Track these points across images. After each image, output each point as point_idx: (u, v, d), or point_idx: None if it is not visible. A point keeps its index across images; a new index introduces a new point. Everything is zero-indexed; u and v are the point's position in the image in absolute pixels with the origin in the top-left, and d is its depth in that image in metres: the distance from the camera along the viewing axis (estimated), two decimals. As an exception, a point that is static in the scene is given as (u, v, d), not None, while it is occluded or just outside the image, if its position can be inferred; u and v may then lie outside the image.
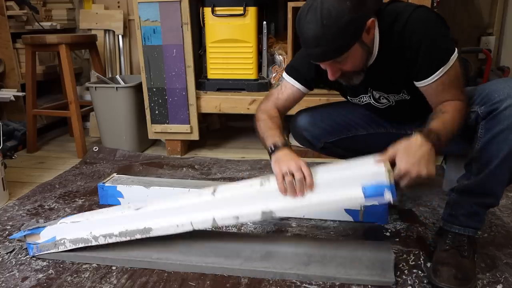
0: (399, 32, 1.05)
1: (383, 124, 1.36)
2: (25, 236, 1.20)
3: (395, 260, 1.10)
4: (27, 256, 1.21)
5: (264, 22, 2.02)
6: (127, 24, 2.64)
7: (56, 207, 1.56)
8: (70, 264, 1.17)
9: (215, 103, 2.09)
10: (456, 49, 1.04)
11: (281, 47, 2.10)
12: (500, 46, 2.35)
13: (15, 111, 2.41)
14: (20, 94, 2.28)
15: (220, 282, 1.08)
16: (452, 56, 1.03)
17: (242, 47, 2.01)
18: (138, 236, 1.14)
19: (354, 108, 1.38)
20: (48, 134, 2.66)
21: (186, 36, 1.98)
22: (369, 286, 1.05)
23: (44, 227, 1.20)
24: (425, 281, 1.07)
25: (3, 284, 1.09)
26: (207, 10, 1.99)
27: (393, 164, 0.96)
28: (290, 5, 1.93)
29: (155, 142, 2.42)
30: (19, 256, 1.22)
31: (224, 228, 1.37)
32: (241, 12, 1.95)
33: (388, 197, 0.96)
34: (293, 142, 1.48)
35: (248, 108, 2.04)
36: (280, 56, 2.08)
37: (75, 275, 1.12)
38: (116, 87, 2.12)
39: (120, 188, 1.52)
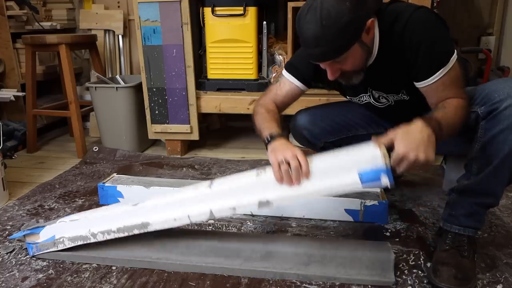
0: (399, 33, 1.05)
1: (383, 124, 1.36)
2: (24, 236, 1.20)
3: (395, 260, 1.10)
4: (27, 256, 1.21)
5: (264, 22, 2.02)
6: (127, 24, 2.64)
7: (56, 207, 1.56)
8: (70, 264, 1.17)
9: (215, 103, 2.09)
10: (455, 51, 1.04)
11: (281, 47, 2.10)
12: (500, 46, 2.35)
13: (15, 111, 2.41)
14: (20, 94, 2.28)
15: (220, 282, 1.08)
16: (452, 57, 1.03)
17: (242, 47, 2.01)
18: (136, 232, 1.14)
19: (354, 108, 1.38)
20: (48, 134, 2.66)
21: (186, 36, 1.98)
22: (369, 286, 1.05)
23: (43, 226, 1.20)
24: (425, 281, 1.07)
25: (3, 284, 1.09)
26: (207, 10, 1.99)
27: (391, 148, 0.94)
28: (290, 5, 1.93)
29: (155, 142, 2.42)
30: (19, 256, 1.22)
31: (224, 228, 1.37)
32: (241, 12, 1.95)
33: (385, 181, 0.96)
34: (293, 142, 1.48)
35: (248, 108, 2.04)
36: (280, 56, 2.08)
37: (75, 275, 1.12)
38: (116, 87, 2.12)
39: (120, 188, 1.52)
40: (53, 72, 2.56)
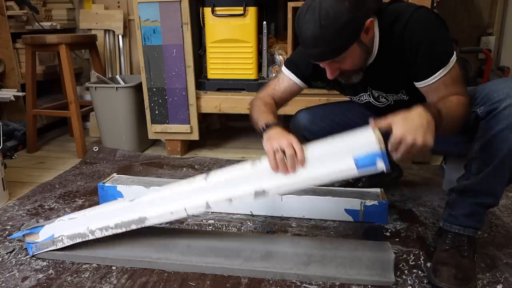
0: (399, 32, 1.05)
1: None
2: (24, 235, 1.20)
3: (395, 260, 1.10)
4: (27, 256, 1.21)
5: (264, 22, 2.02)
6: (127, 24, 2.64)
7: (56, 207, 1.56)
8: (70, 264, 1.17)
9: (215, 103, 2.09)
10: (455, 52, 1.04)
11: (281, 47, 2.10)
12: (500, 46, 2.35)
13: (15, 111, 2.41)
14: (20, 94, 2.28)
15: (220, 282, 1.08)
16: (452, 58, 1.03)
17: (242, 47, 2.01)
18: (134, 227, 1.14)
19: (354, 107, 1.38)
20: (48, 134, 2.66)
21: (186, 36, 1.98)
22: (369, 286, 1.05)
23: (42, 226, 1.21)
24: (425, 281, 1.07)
25: (3, 284, 1.09)
26: (207, 10, 1.99)
27: (389, 133, 0.92)
28: (290, 5, 1.93)
29: (155, 142, 2.42)
30: (19, 256, 1.22)
31: (224, 228, 1.37)
32: (241, 12, 1.95)
33: (380, 166, 0.95)
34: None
35: (248, 108, 2.03)
36: (280, 56, 2.08)
37: (75, 275, 1.12)
38: (116, 87, 2.12)
39: (120, 188, 1.52)
40: (53, 72, 2.56)
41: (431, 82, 1.05)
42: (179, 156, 2.18)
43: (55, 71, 2.57)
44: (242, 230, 1.36)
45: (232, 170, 1.11)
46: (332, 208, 1.39)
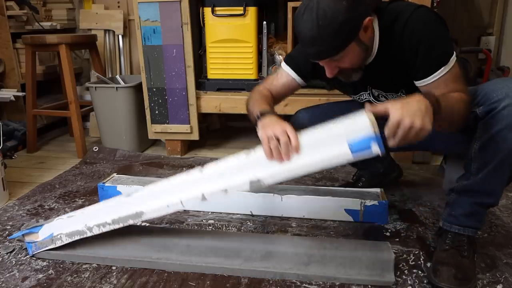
0: (399, 32, 1.05)
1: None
2: (23, 235, 1.20)
3: (395, 260, 1.10)
4: (27, 256, 1.21)
5: (264, 22, 2.02)
6: (127, 24, 2.64)
7: (56, 207, 1.56)
8: (70, 264, 1.17)
9: (215, 103, 2.09)
10: (454, 52, 1.04)
11: (281, 47, 2.10)
12: (500, 46, 2.35)
13: (15, 111, 2.41)
14: (20, 94, 2.28)
15: (220, 282, 1.08)
16: (452, 57, 1.03)
17: (242, 47, 2.01)
18: (131, 222, 1.14)
19: (354, 107, 1.37)
20: (48, 134, 2.66)
21: (186, 36, 1.98)
22: (369, 286, 1.05)
23: (41, 225, 1.21)
24: (425, 281, 1.07)
25: (3, 284, 1.09)
26: (207, 10, 1.99)
27: (386, 118, 0.90)
28: (290, 5, 1.93)
29: (155, 142, 2.42)
30: (19, 256, 1.22)
31: (224, 228, 1.37)
32: (241, 12, 1.95)
33: (375, 149, 0.94)
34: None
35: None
36: (280, 56, 2.08)
37: (75, 275, 1.12)
38: (116, 87, 2.12)
39: (120, 188, 1.52)
40: (53, 72, 2.56)
41: (431, 81, 1.04)
42: (179, 156, 2.18)
43: (55, 71, 2.57)
44: (242, 230, 1.36)
45: (227, 161, 1.11)
46: (332, 208, 1.39)
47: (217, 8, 1.97)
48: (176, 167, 1.96)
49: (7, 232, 1.36)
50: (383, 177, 1.59)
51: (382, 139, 0.92)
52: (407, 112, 0.86)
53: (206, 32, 2.03)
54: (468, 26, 2.34)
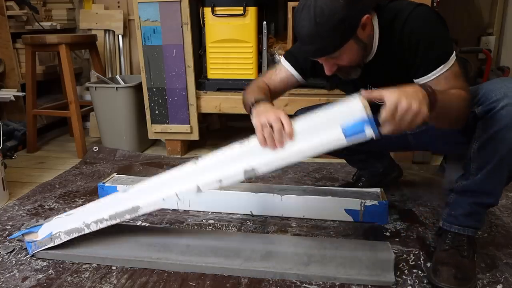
0: (399, 30, 1.05)
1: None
2: (23, 235, 1.20)
3: (395, 260, 1.10)
4: (27, 256, 1.21)
5: (264, 22, 2.02)
6: (127, 24, 2.64)
7: (56, 207, 1.56)
8: (70, 264, 1.17)
9: (215, 103, 2.09)
10: (454, 51, 1.04)
11: (281, 47, 2.10)
12: (500, 46, 2.35)
13: (15, 111, 2.41)
14: (20, 94, 2.28)
15: (220, 282, 1.08)
16: (452, 56, 1.03)
17: (242, 47, 2.01)
18: (128, 217, 1.14)
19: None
20: (48, 134, 2.66)
21: (186, 36, 1.98)
22: (369, 286, 1.05)
23: (41, 225, 1.21)
24: (425, 281, 1.07)
25: (3, 285, 1.09)
26: (207, 10, 1.99)
27: (382, 104, 0.88)
28: (290, 5, 1.93)
29: (155, 142, 2.42)
30: (19, 256, 1.22)
31: (224, 228, 1.37)
32: (241, 12, 1.95)
33: (369, 132, 0.93)
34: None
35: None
36: (280, 56, 2.08)
37: (75, 275, 1.12)
38: (116, 87, 2.12)
39: (120, 188, 1.52)
40: (53, 72, 2.56)
41: (430, 79, 1.04)
42: (179, 156, 2.18)
43: (55, 71, 2.57)
44: (242, 230, 1.36)
45: (221, 152, 1.11)
46: (332, 208, 1.39)
47: (217, 8, 1.97)
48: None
49: (7, 232, 1.36)
50: (383, 177, 1.59)
51: (376, 124, 0.91)
52: (404, 95, 0.85)
53: (206, 32, 2.03)
54: (468, 26, 2.34)
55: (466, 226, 1.09)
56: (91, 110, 2.34)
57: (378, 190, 1.45)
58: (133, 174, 1.76)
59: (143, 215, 1.44)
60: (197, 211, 1.49)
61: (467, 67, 1.98)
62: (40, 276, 1.12)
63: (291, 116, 1.45)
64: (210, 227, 1.38)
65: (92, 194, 1.65)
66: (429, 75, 1.04)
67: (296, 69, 1.27)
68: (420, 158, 1.99)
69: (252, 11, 1.95)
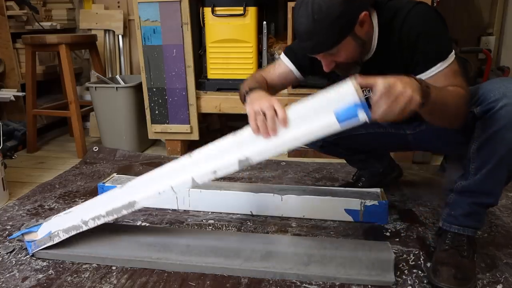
0: (398, 27, 1.05)
1: (382, 123, 1.36)
2: (23, 235, 1.20)
3: (395, 260, 1.10)
4: (27, 256, 1.21)
5: (264, 22, 2.02)
6: (127, 24, 2.64)
7: (56, 207, 1.56)
8: (70, 264, 1.17)
9: (215, 103, 2.09)
10: (453, 50, 1.04)
11: (281, 47, 2.10)
12: (500, 46, 2.35)
13: (15, 111, 2.41)
14: (20, 94, 2.28)
15: (220, 282, 1.08)
16: (450, 54, 1.02)
17: (242, 47, 2.01)
18: (125, 212, 1.14)
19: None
20: (48, 134, 2.66)
21: (186, 36, 1.98)
22: (369, 286, 1.05)
23: (40, 224, 1.21)
24: (425, 281, 1.07)
25: (3, 285, 1.09)
26: (207, 10, 1.99)
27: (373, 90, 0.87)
28: (290, 5, 1.92)
29: (155, 142, 2.42)
30: (19, 256, 1.22)
31: (224, 228, 1.37)
32: (241, 12, 1.95)
33: (362, 116, 0.91)
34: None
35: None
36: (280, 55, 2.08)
37: (75, 275, 1.12)
38: (116, 87, 2.13)
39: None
40: (53, 72, 2.56)
41: (429, 75, 1.03)
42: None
43: (55, 71, 2.57)
44: (242, 230, 1.36)
45: (216, 144, 1.10)
46: (332, 208, 1.39)
47: (217, 8, 1.97)
48: (176, 167, 1.96)
49: (7, 232, 1.36)
50: (383, 177, 1.59)
51: (370, 108, 0.90)
52: (398, 80, 0.85)
53: (206, 32, 2.03)
54: (468, 26, 2.34)
55: (466, 226, 1.09)
56: (91, 110, 2.35)
57: (378, 190, 1.45)
58: (133, 174, 1.76)
59: (143, 215, 1.44)
60: (197, 211, 1.49)
61: (467, 67, 1.98)
62: (40, 276, 1.12)
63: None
64: (210, 227, 1.38)
65: (92, 194, 1.65)
66: (427, 72, 1.03)
67: (295, 65, 1.27)
68: (420, 158, 1.99)
69: (252, 11, 1.96)
